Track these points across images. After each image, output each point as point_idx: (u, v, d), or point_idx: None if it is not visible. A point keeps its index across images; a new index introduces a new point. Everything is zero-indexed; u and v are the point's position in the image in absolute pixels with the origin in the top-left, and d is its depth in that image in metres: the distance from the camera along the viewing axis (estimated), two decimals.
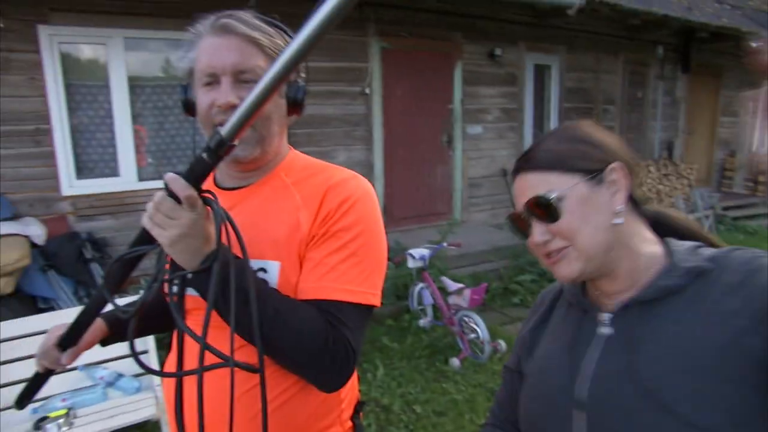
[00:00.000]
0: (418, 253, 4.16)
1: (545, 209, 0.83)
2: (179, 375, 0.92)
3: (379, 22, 5.37)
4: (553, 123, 7.17)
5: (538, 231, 0.85)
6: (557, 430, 0.84)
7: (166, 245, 0.83)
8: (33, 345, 2.77)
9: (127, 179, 4.41)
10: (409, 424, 3.06)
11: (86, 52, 4.24)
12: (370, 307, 0.95)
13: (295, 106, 1.05)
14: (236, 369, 0.82)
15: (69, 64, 4.15)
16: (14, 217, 3.97)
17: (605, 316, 0.86)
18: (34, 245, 3.87)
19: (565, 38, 6.96)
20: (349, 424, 1.07)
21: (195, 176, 0.82)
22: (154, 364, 2.94)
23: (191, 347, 0.96)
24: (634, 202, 0.87)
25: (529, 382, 0.93)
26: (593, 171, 0.83)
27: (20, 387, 1.20)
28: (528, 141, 6.90)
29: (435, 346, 3.99)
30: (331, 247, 0.93)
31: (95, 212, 4.28)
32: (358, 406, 1.11)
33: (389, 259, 4.77)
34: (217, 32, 0.97)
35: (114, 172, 4.39)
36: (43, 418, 2.60)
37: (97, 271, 4.07)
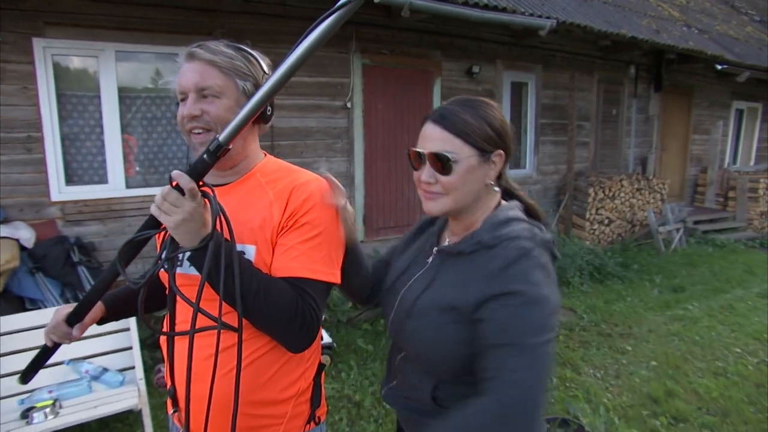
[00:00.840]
0: None
1: (441, 164, 1.12)
2: (173, 335, 1.17)
3: (361, 40, 5.61)
4: (530, 137, 7.43)
5: (427, 173, 1.15)
6: (386, 309, 1.29)
7: (171, 228, 1.02)
8: (21, 341, 2.93)
9: (115, 186, 4.57)
10: (378, 419, 3.24)
11: (78, 63, 4.42)
12: (330, 284, 1.20)
13: (260, 119, 1.27)
14: (216, 331, 1.04)
15: (61, 75, 4.32)
16: (4, 220, 4.11)
17: (433, 251, 1.26)
18: (23, 248, 4.01)
19: (541, 57, 7.24)
20: (311, 381, 1.29)
21: (196, 173, 1.03)
22: (138, 361, 3.10)
23: (182, 314, 1.21)
24: (498, 177, 1.19)
25: (388, 275, 1.35)
26: (485, 151, 1.14)
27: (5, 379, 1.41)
28: None
29: None
30: (298, 235, 1.16)
31: (83, 217, 4.43)
32: (320, 368, 1.34)
33: None
34: (187, 59, 1.20)
35: (102, 180, 4.55)
36: (30, 408, 2.74)
37: (84, 274, 4.21)
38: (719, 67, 8.19)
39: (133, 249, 1.11)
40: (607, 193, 7.53)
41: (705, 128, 10.16)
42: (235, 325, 1.05)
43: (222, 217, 1.06)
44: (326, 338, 3.94)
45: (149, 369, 3.65)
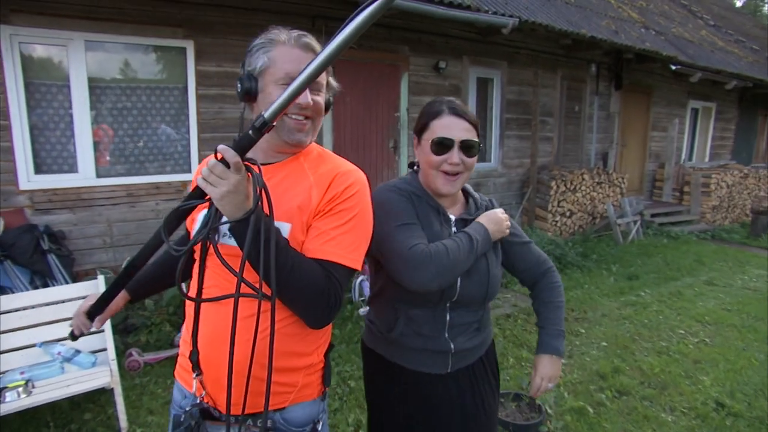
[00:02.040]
0: None
1: (470, 148, 1.49)
2: (216, 300, 1.21)
3: (331, 35, 5.70)
4: (495, 132, 7.66)
5: (457, 157, 1.47)
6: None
7: (216, 199, 1.06)
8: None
9: (85, 176, 4.60)
10: (342, 396, 3.40)
11: (47, 52, 4.43)
12: (353, 270, 1.24)
13: (328, 107, 1.36)
14: (242, 300, 1.10)
15: (29, 64, 4.34)
16: None
17: (453, 219, 1.55)
18: None
19: (506, 54, 7.47)
20: (323, 357, 1.37)
21: (241, 147, 1.07)
22: (110, 343, 3.17)
23: (210, 280, 1.25)
24: None
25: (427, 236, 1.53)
26: (479, 139, 1.55)
27: None
28: None
29: None
30: (334, 221, 1.22)
31: (53, 206, 4.46)
32: (330, 348, 1.41)
33: None
34: (301, 47, 1.27)
35: (72, 169, 4.58)
36: (2, 389, 2.80)
37: (54, 262, 4.25)
38: (674, 67, 8.55)
39: (178, 217, 1.14)
40: (568, 187, 7.78)
41: (663, 126, 10.56)
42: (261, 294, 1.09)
43: (264, 192, 1.10)
44: None
45: (120, 354, 3.72)
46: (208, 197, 1.10)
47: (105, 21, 4.50)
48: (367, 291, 4.49)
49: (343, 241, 1.20)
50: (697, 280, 6.45)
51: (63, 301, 3.19)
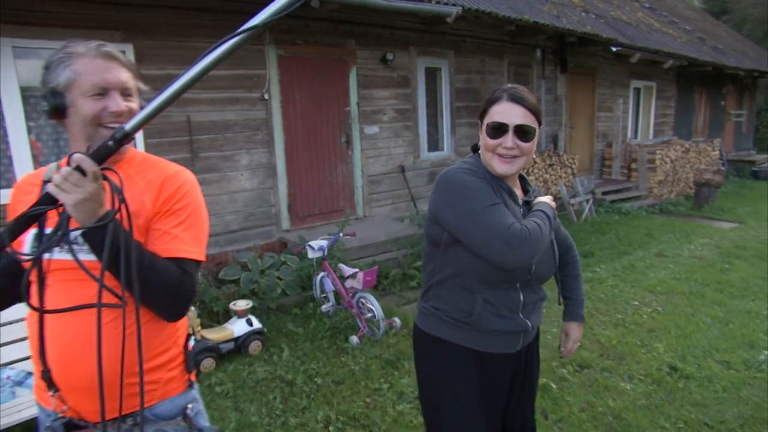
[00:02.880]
0: (317, 244, 4.47)
1: (525, 133, 1.53)
2: (74, 309, 1.19)
3: (275, 31, 5.64)
4: (446, 121, 7.72)
5: (512, 140, 1.52)
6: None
7: (70, 206, 1.07)
8: None
9: None
10: (310, 394, 3.38)
11: None
12: (200, 262, 1.33)
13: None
14: (103, 303, 1.11)
15: None
16: None
17: (521, 200, 1.65)
18: None
19: (453, 43, 7.53)
20: (182, 349, 1.41)
21: (99, 157, 1.09)
22: None
23: (54, 296, 1.24)
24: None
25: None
26: (540, 125, 1.58)
27: None
28: (423, 138, 7.41)
29: (336, 328, 4.33)
30: (173, 220, 1.29)
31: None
32: (188, 338, 1.46)
33: (291, 253, 5.05)
34: (103, 57, 1.27)
35: (9, 184, 4.38)
36: None
37: None
38: (614, 48, 8.80)
39: (24, 224, 1.12)
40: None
41: (608, 106, 10.88)
42: (117, 301, 1.12)
43: (122, 201, 1.14)
44: (256, 324, 4.02)
45: None
46: (60, 203, 1.10)
47: (33, 26, 4.30)
48: (329, 287, 4.49)
49: (186, 238, 1.29)
50: (648, 252, 6.69)
51: (10, 323, 3.05)
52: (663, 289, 5.28)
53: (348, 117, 6.46)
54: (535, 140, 1.56)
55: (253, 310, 4.17)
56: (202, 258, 1.32)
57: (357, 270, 4.28)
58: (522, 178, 1.76)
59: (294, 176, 6.01)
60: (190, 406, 1.38)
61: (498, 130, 1.52)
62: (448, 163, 7.68)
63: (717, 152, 12.54)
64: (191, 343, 1.50)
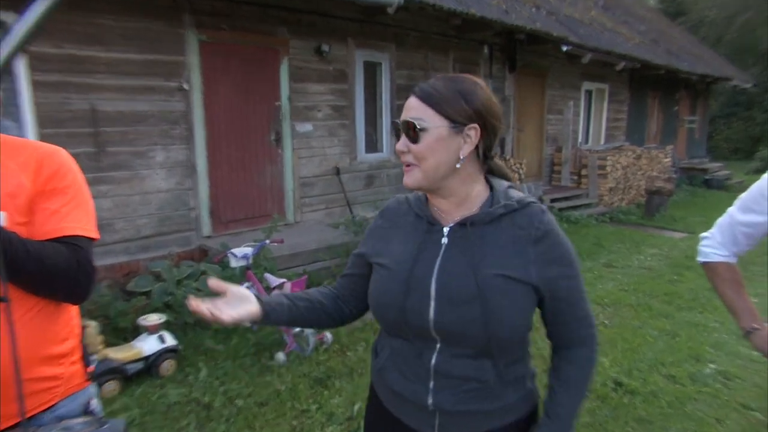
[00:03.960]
0: (241, 252, 4.43)
1: (411, 131, 1.27)
2: None
3: (196, 13, 5.58)
4: (386, 120, 7.82)
5: (402, 142, 1.29)
6: (415, 306, 1.30)
7: None
8: None
9: None
10: (230, 418, 3.36)
11: None
12: (93, 239, 1.41)
13: None
14: None
15: None
16: None
17: (445, 230, 1.32)
18: None
19: (394, 36, 7.66)
20: (79, 341, 1.48)
21: None
22: None
23: None
24: (484, 153, 1.32)
25: (387, 269, 1.36)
26: (457, 122, 1.25)
27: None
28: (361, 138, 7.48)
29: (262, 344, 4.32)
30: (61, 199, 1.36)
31: None
32: (83, 328, 1.54)
33: (212, 261, 5.00)
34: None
35: None
36: None
37: None
38: (565, 48, 9.21)
39: None
40: None
41: (558, 108, 11.35)
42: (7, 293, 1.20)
43: None
44: (170, 341, 3.96)
45: None
46: None
47: None
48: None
49: (77, 215, 1.37)
50: (597, 263, 7.03)
51: None
52: (611, 300, 5.57)
53: (278, 113, 6.46)
54: (436, 139, 1.25)
55: (166, 326, 4.09)
56: (96, 235, 1.41)
57: (285, 280, 4.27)
58: (503, 189, 1.36)
59: (217, 176, 5.95)
60: (93, 401, 1.46)
61: (397, 131, 1.33)
62: (387, 165, 7.82)
63: (669, 159, 13.32)
64: (92, 364, 1.51)
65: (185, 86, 5.57)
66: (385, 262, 1.37)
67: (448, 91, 1.26)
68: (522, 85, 10.17)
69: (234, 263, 4.43)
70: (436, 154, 1.26)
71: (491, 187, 1.35)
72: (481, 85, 1.30)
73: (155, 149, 5.45)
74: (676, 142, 16.22)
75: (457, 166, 1.28)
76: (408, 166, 1.30)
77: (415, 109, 1.27)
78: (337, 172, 7.14)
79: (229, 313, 1.29)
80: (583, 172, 11.07)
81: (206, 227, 5.89)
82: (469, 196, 1.32)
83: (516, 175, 9.22)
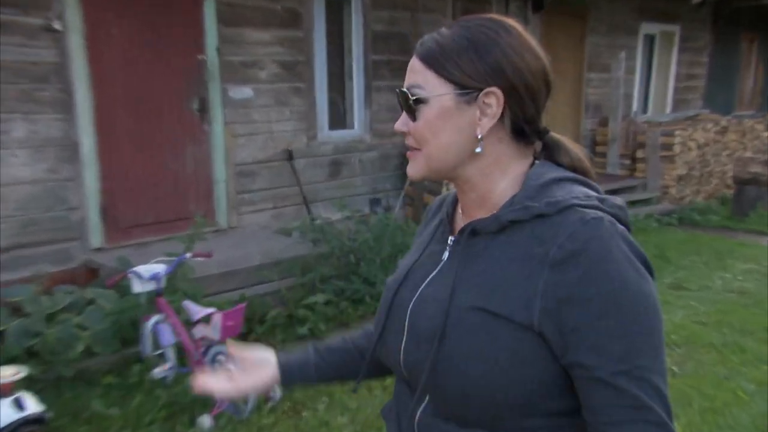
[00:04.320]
0: (149, 271, 4.36)
1: (407, 104, 1.25)
2: None
3: None
4: (357, 82, 7.79)
5: (401, 120, 1.28)
6: (390, 339, 1.34)
7: None
8: None
9: None
10: None
11: None
12: None
13: None
14: None
15: None
16: None
17: (450, 239, 1.33)
18: None
19: None
20: None
21: None
22: None
23: None
24: (521, 128, 1.25)
25: (386, 288, 1.41)
26: (467, 88, 1.20)
27: None
28: (322, 109, 7.46)
29: (178, 404, 4.26)
30: None
31: None
32: None
33: (104, 285, 4.93)
34: None
35: None
36: None
37: None
38: None
39: None
40: None
41: (604, 63, 11.36)
42: None
43: None
44: (32, 407, 3.79)
45: None
46: None
47: None
48: (167, 339, 4.39)
49: None
50: (660, 283, 6.97)
51: None
52: (681, 338, 5.54)
53: (203, 70, 6.44)
54: (438, 113, 1.24)
55: (28, 383, 3.99)
56: None
57: (213, 310, 4.22)
58: (537, 184, 1.26)
59: (111, 161, 5.90)
60: None
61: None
62: (359, 147, 7.80)
63: None
64: None
65: (56, 26, 5.47)
66: (389, 280, 1.44)
67: (454, 43, 1.22)
68: (552, 31, 10.14)
69: (138, 287, 4.37)
70: (440, 133, 1.24)
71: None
72: (507, 26, 1.24)
73: (13, 119, 5.37)
74: None
75: (477, 150, 1.24)
76: (411, 150, 1.30)
77: (414, 72, 1.26)
78: (290, 156, 7.08)
79: (242, 386, 1.42)
80: (639, 153, 11.06)
81: (96, 235, 5.82)
82: (493, 191, 1.28)
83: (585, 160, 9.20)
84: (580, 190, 1.21)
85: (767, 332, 5.66)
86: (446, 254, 1.32)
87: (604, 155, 11.25)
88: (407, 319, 1.30)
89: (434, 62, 1.21)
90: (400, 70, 7.82)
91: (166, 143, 6.25)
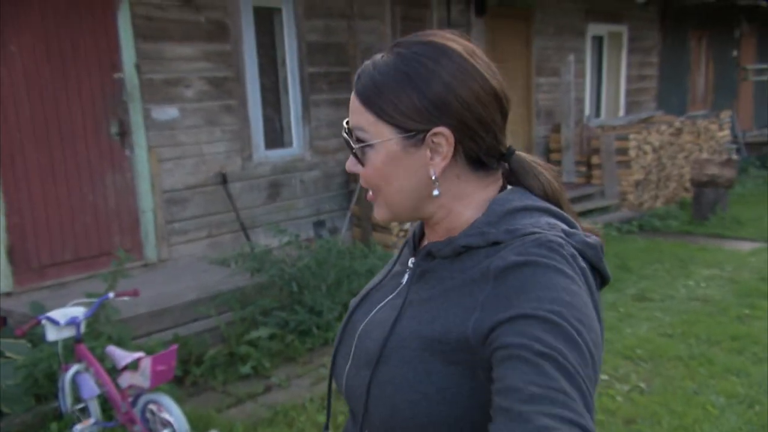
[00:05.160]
0: (66, 315, 4.21)
1: (352, 150, 1.22)
2: None
3: None
4: (293, 97, 7.69)
5: (351, 161, 1.25)
6: (339, 362, 1.34)
7: None
8: None
9: None
10: None
11: None
12: None
13: None
14: None
15: None
16: None
17: (411, 261, 1.32)
18: None
19: None
20: None
21: None
22: None
23: None
24: (479, 158, 1.21)
25: (349, 306, 1.43)
26: (411, 130, 1.17)
27: None
28: (257, 128, 7.35)
29: None
30: None
31: None
32: None
33: (14, 335, 4.71)
34: None
35: None
36: None
37: None
38: None
39: None
40: None
41: (553, 67, 11.45)
42: None
43: None
44: None
45: None
46: None
47: None
48: (89, 390, 4.21)
49: None
50: (622, 295, 7.00)
51: None
52: (647, 352, 5.50)
53: (120, 90, 6.31)
54: (385, 159, 1.22)
55: None
56: None
57: (141, 355, 4.05)
58: (501, 211, 1.23)
59: (18, 196, 5.75)
60: None
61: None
62: (299, 167, 7.71)
63: (727, 132, 13.41)
64: None
65: None
66: (351, 301, 1.46)
67: (389, 78, 1.18)
68: (497, 34, 10.16)
69: (53, 335, 4.20)
70: (391, 179, 1.23)
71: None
72: (448, 50, 1.18)
73: None
74: (736, 105, 16.30)
75: (435, 193, 1.21)
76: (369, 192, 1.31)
77: (355, 113, 1.23)
78: (224, 179, 6.97)
79: None
80: (595, 159, 11.13)
81: (3, 278, 5.64)
82: (458, 221, 1.26)
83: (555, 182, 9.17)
84: (548, 220, 1.17)
85: (734, 341, 5.68)
86: (405, 277, 1.32)
87: (558, 163, 11.27)
88: (354, 343, 1.31)
89: (372, 103, 1.19)
90: (339, 82, 7.98)
91: (82, 172, 6.08)
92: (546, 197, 1.25)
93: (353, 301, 1.44)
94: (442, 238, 1.26)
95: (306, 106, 7.75)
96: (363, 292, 1.44)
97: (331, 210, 7.97)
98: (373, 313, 1.32)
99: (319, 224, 7.99)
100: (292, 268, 6.10)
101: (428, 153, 1.17)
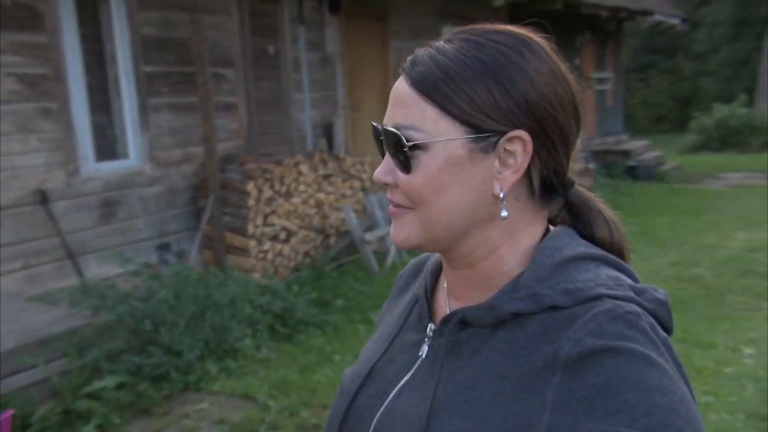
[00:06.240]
0: None
1: (397, 150, 1.10)
2: None
3: None
4: (128, 101, 7.40)
5: (384, 168, 1.13)
6: None
7: None
8: None
9: None
10: None
11: None
12: None
13: None
14: None
15: None
16: None
17: (430, 328, 1.20)
18: None
19: None
20: None
21: None
22: None
23: None
24: (545, 183, 1.11)
25: (341, 386, 1.31)
26: (485, 131, 1.06)
27: None
28: (84, 136, 7.06)
29: None
30: None
31: None
32: None
33: None
34: None
35: None
36: None
37: None
38: None
39: None
40: (278, 189, 7.92)
41: None
42: None
43: None
44: None
45: None
46: None
47: None
48: None
49: None
50: None
51: None
52: None
53: None
54: (444, 164, 1.08)
55: None
56: None
57: None
58: (550, 263, 1.15)
59: None
60: None
61: (380, 147, 1.19)
62: (137, 182, 7.50)
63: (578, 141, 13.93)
64: None
65: None
66: (346, 373, 1.38)
67: (464, 66, 1.08)
68: (352, 35, 10.24)
69: None
70: (445, 191, 1.10)
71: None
72: (533, 45, 1.12)
73: None
74: None
75: (503, 214, 1.11)
76: (396, 207, 1.16)
77: (405, 106, 1.10)
78: (44, 198, 6.55)
79: None
80: None
81: None
82: (497, 271, 1.16)
83: (357, 182, 9.17)
84: (609, 274, 1.10)
85: None
86: (425, 349, 1.22)
87: None
88: None
89: (437, 93, 1.08)
90: (182, 84, 7.63)
91: None
92: (610, 244, 1.17)
93: (349, 378, 1.31)
94: (472, 288, 1.17)
95: (143, 110, 7.48)
96: (364, 366, 1.29)
97: (176, 231, 7.76)
98: (390, 399, 1.20)
99: (163, 248, 7.80)
100: (145, 303, 5.83)
101: (497, 164, 1.07)
